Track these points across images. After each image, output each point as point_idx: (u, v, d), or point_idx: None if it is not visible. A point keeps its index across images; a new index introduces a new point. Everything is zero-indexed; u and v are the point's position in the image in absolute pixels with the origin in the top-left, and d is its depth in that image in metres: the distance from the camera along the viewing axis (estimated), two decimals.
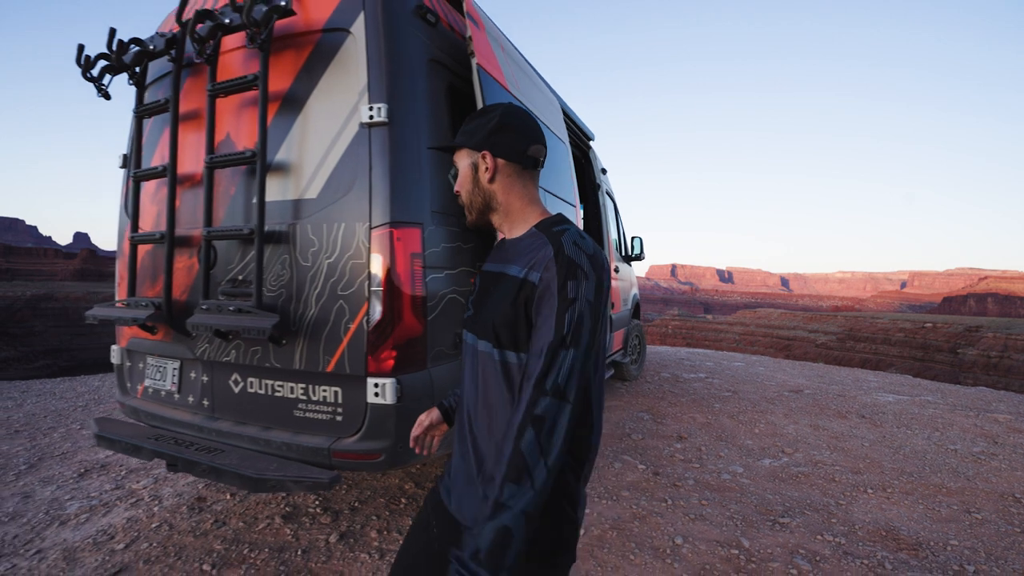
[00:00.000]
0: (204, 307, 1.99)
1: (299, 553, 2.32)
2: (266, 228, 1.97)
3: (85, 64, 2.30)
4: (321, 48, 1.98)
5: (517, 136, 1.02)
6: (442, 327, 2.00)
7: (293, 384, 1.97)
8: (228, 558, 2.26)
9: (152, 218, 2.44)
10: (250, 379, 2.07)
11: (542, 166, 1.06)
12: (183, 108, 2.24)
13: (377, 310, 1.81)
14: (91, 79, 2.35)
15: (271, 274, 1.95)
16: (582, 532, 2.53)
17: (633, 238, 5.83)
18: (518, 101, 2.68)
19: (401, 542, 0.98)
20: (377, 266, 1.81)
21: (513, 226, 1.05)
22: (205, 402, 2.22)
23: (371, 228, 1.83)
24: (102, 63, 2.35)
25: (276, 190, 2.01)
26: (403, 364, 1.84)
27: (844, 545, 2.47)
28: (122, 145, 2.78)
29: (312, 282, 1.89)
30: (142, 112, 2.33)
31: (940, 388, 6.77)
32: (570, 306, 0.87)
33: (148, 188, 2.54)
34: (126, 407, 2.53)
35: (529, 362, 0.88)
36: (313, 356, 1.90)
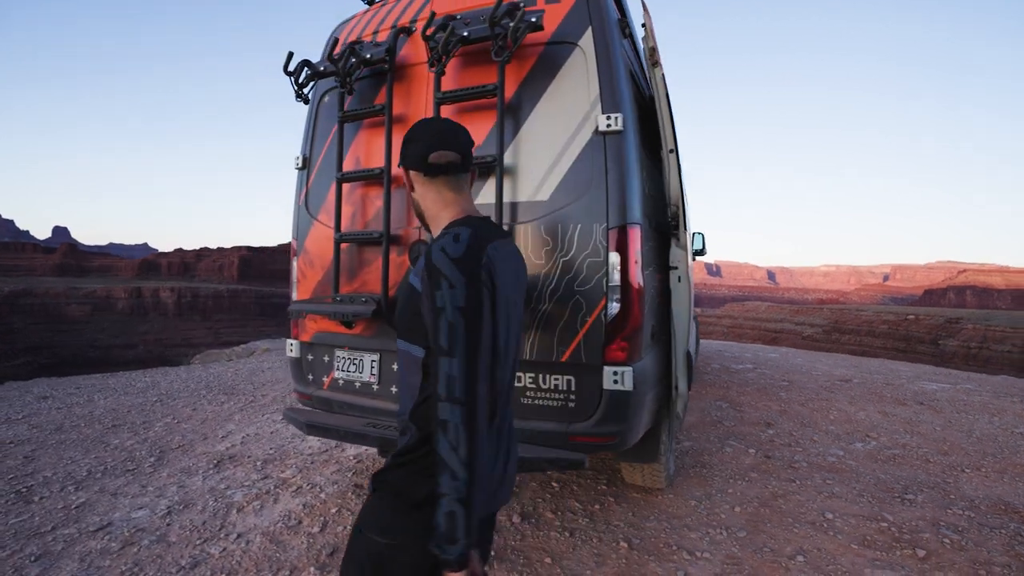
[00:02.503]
0: None
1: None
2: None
3: (296, 71, 2.42)
4: (547, 59, 2.11)
5: (420, 146, 1.09)
6: (648, 319, 2.17)
7: (520, 373, 2.11)
8: (493, 555, 2.41)
9: (347, 219, 2.55)
10: None
11: (454, 171, 1.09)
12: (395, 112, 2.36)
13: (615, 304, 1.97)
14: (298, 85, 2.47)
15: None
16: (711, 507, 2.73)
17: (695, 234, 6.01)
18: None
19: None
20: (615, 264, 1.97)
21: (435, 232, 1.13)
22: None
23: (608, 229, 1.98)
24: (307, 70, 2.47)
25: (504, 193, 2.14)
26: (632, 354, 2.01)
27: (975, 518, 2.71)
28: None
29: (546, 279, 2.04)
30: (347, 117, 2.44)
31: (971, 377, 7.13)
32: (439, 316, 0.93)
33: (321, 187, 2.66)
34: (313, 398, 2.64)
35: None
36: (546, 347, 2.05)
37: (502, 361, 1.06)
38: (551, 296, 2.04)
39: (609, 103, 2.01)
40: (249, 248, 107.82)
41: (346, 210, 2.57)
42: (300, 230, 2.74)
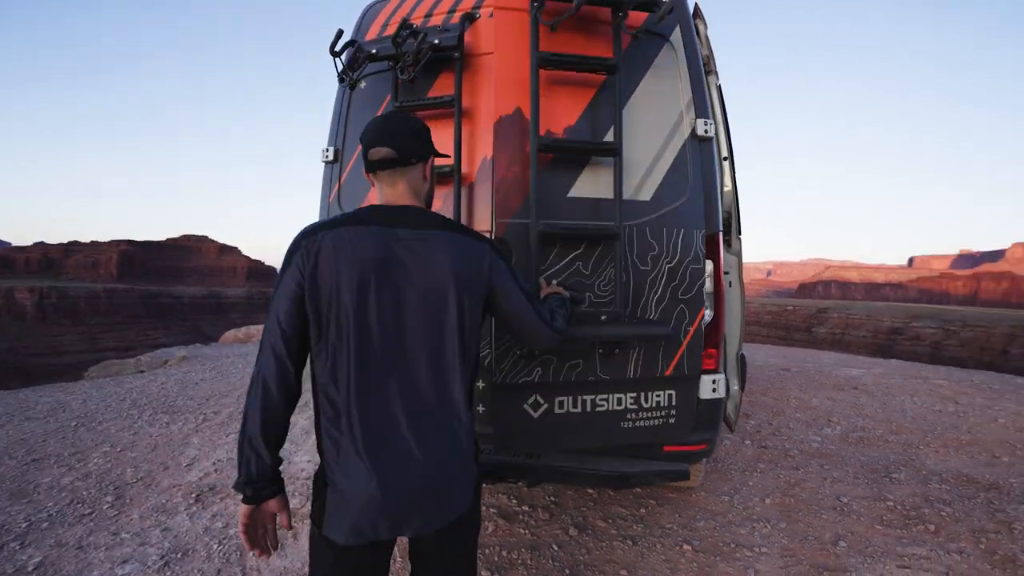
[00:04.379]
0: None
1: (555, 548, 2.39)
2: (596, 227, 1.92)
3: (342, 50, 2.12)
4: (639, 48, 2.01)
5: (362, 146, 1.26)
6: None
7: (621, 395, 1.99)
8: (498, 563, 2.26)
9: None
10: (559, 399, 1.98)
11: (377, 166, 1.22)
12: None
13: (709, 312, 1.96)
14: (350, 68, 2.16)
15: (602, 277, 1.96)
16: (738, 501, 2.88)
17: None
18: None
19: None
20: (711, 270, 1.96)
21: None
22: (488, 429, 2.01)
23: (706, 235, 1.96)
24: (354, 52, 2.17)
25: (600, 187, 1.97)
26: (719, 360, 2.02)
27: (952, 490, 3.10)
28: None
29: (652, 286, 1.96)
30: (407, 108, 2.17)
31: (875, 362, 8.21)
32: None
33: (358, 183, 2.38)
34: None
35: None
36: (651, 361, 1.96)
37: (332, 350, 1.11)
38: (657, 305, 1.96)
39: (701, 108, 2.00)
40: (131, 242, 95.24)
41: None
42: None
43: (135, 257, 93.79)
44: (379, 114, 1.27)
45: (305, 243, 1.12)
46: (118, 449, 3.83)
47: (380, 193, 1.25)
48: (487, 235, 1.32)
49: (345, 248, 1.11)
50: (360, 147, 1.28)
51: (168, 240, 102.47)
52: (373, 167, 1.22)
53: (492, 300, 1.26)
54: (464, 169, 2.14)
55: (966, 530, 2.62)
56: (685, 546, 2.42)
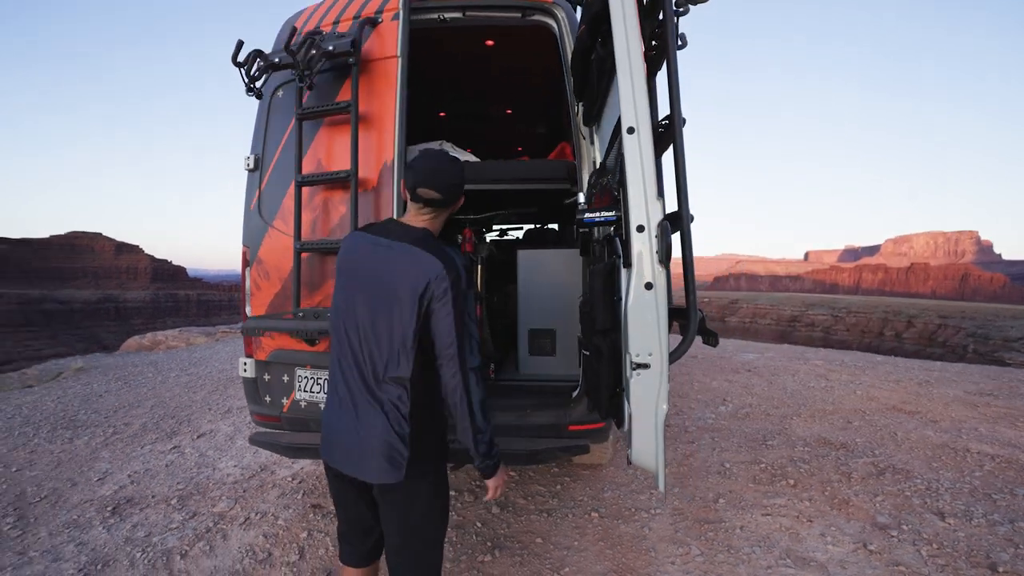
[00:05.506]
0: None
1: (479, 525, 2.63)
2: None
3: (247, 61, 2.19)
4: None
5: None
6: None
7: None
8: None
9: (307, 226, 2.38)
10: None
11: (422, 201, 1.43)
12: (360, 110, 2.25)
13: None
14: (249, 78, 2.23)
15: None
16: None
17: None
18: None
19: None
20: None
21: None
22: None
23: None
24: (260, 62, 2.25)
25: None
26: None
27: (811, 451, 3.72)
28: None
29: None
30: (306, 115, 2.27)
31: (768, 347, 9.27)
32: None
33: (276, 191, 2.46)
34: (283, 419, 2.43)
35: None
36: None
37: (335, 319, 1.45)
38: None
39: None
40: (6, 240, 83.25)
41: (306, 216, 2.42)
42: (253, 238, 2.48)
43: (10, 257, 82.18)
44: (434, 149, 1.47)
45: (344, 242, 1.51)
46: (13, 469, 3.56)
47: (407, 213, 1.49)
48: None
49: (352, 246, 1.47)
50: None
51: (53, 237, 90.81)
52: (418, 199, 1.42)
53: (428, 316, 1.36)
54: (367, 175, 2.28)
55: (817, 482, 3.18)
56: (593, 514, 2.76)
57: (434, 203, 1.42)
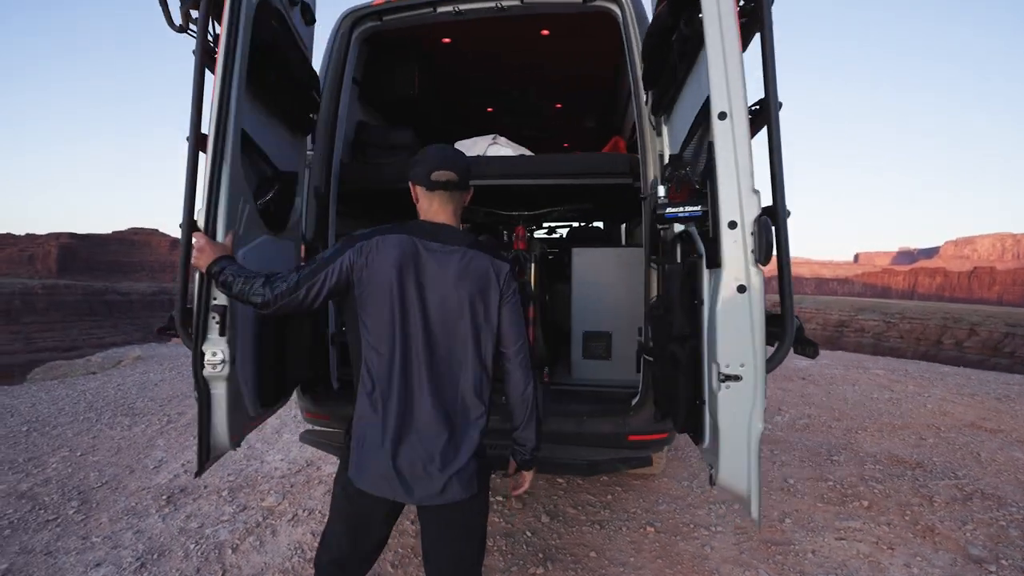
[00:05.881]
0: None
1: (528, 534, 2.53)
2: None
3: None
4: None
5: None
6: None
7: None
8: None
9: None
10: None
11: (440, 187, 1.34)
12: None
13: None
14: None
15: None
16: None
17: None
18: None
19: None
20: None
21: None
22: None
23: None
24: None
25: None
26: None
27: (883, 469, 3.43)
28: None
29: None
30: None
31: (823, 353, 8.79)
32: None
33: None
34: (332, 417, 2.40)
35: None
36: None
37: (375, 335, 1.28)
38: None
39: None
40: (73, 235, 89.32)
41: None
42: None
43: (77, 251, 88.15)
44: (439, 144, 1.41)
45: (365, 243, 1.28)
46: (78, 453, 3.72)
47: (428, 209, 1.36)
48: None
49: (389, 250, 1.27)
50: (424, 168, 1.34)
51: (114, 233, 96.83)
52: (435, 186, 1.33)
53: (500, 316, 1.33)
54: None
55: (894, 504, 2.92)
56: (648, 528, 2.61)
57: (451, 186, 1.33)
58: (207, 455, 1.57)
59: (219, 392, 1.52)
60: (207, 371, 1.47)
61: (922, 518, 2.75)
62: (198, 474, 1.62)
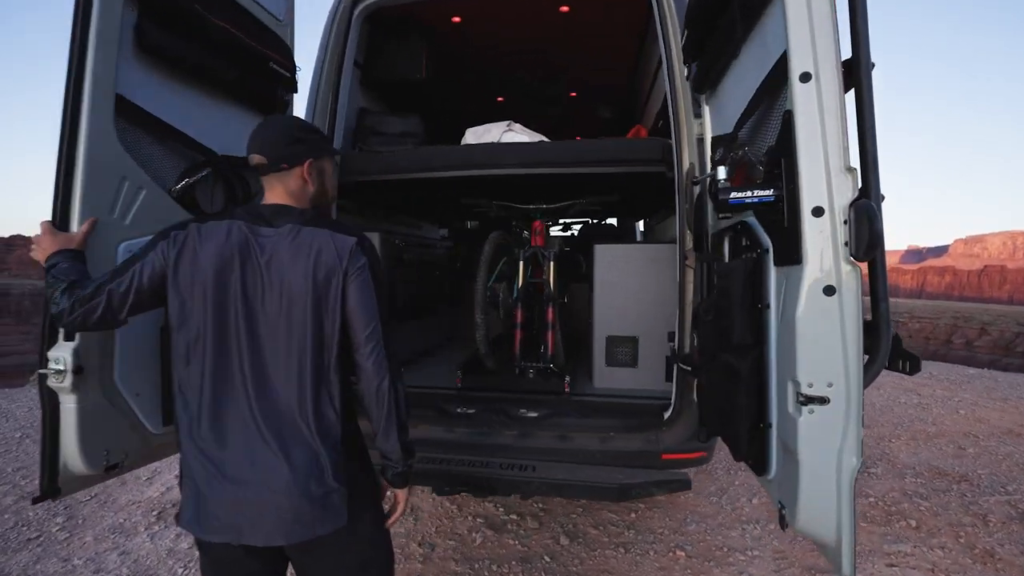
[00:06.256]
0: None
1: (547, 559, 2.31)
2: None
3: None
4: None
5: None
6: None
7: None
8: None
9: None
10: None
11: (258, 172, 1.19)
12: None
13: None
14: None
15: None
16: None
17: None
18: None
19: None
20: None
21: None
22: None
23: None
24: None
25: None
26: None
27: (926, 483, 3.18)
28: None
29: None
30: None
31: None
32: None
33: None
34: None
35: None
36: None
37: (188, 344, 1.08)
38: None
39: None
40: None
41: None
42: None
43: None
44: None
45: (174, 234, 1.10)
46: None
47: (266, 193, 1.19)
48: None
49: (208, 241, 1.08)
50: None
51: None
52: (256, 173, 1.18)
53: (344, 301, 1.11)
54: None
55: (945, 524, 2.68)
56: (678, 552, 2.38)
57: (264, 170, 1.15)
58: (51, 477, 1.31)
59: (68, 406, 1.27)
60: (50, 380, 1.24)
61: (979, 541, 2.51)
62: (36, 500, 1.33)
